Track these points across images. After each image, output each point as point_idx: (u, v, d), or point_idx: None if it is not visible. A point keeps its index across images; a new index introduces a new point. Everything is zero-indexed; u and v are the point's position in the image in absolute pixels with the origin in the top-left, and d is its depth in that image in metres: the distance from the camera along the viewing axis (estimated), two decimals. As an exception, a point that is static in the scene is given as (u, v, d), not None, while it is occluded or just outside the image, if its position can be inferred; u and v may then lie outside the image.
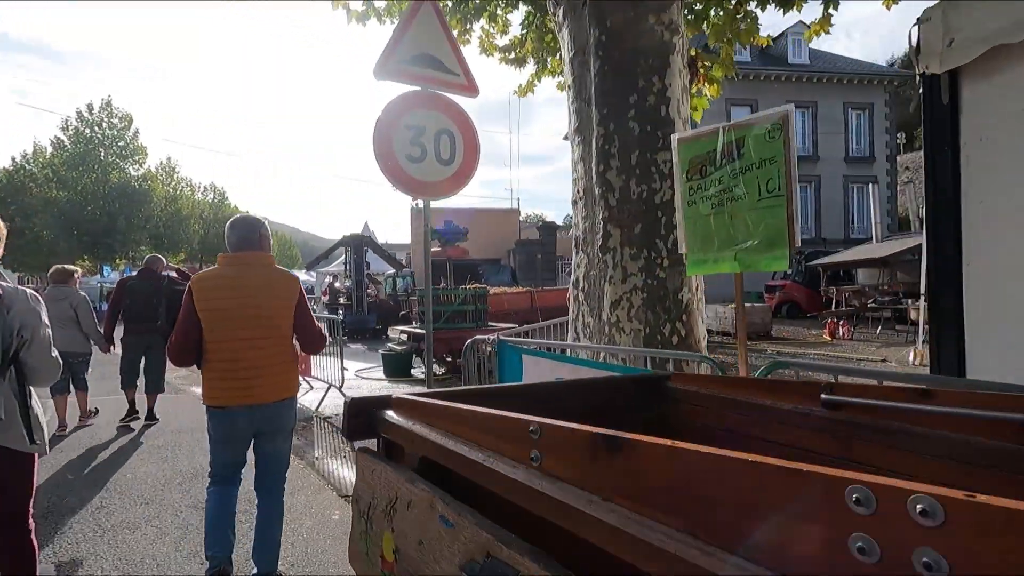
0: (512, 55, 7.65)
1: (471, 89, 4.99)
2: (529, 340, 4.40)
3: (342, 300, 18.17)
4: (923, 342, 9.10)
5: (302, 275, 43.27)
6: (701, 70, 4.63)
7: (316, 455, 5.03)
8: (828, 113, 24.95)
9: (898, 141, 26.33)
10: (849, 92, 25.22)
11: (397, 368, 9.31)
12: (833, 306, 14.27)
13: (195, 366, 2.56)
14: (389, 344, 10.13)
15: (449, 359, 9.43)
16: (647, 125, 3.61)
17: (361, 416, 1.30)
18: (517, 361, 3.53)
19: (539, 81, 7.84)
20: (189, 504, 3.86)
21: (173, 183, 39.47)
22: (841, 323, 12.48)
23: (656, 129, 3.62)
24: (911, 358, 8.93)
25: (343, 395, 6.73)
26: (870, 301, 12.74)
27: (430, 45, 4.68)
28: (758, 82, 24.28)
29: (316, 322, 2.74)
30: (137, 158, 33.75)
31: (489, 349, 4.14)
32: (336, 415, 6.44)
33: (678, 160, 2.47)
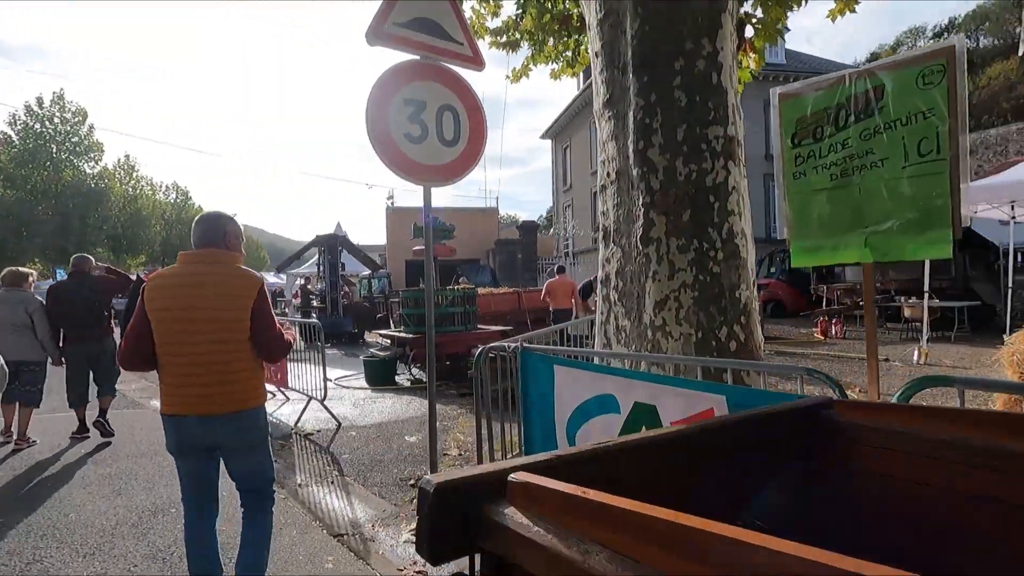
0: (504, 38, 7.08)
1: (476, 62, 4.40)
2: (554, 348, 3.84)
3: (315, 303, 17.30)
4: (927, 340, 8.87)
5: (271, 277, 41.95)
6: (749, 34, 4.14)
7: (299, 481, 4.37)
8: (804, 113, 25.08)
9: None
10: (824, 92, 25.40)
11: (380, 376, 8.64)
12: (824, 304, 14.12)
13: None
14: (371, 350, 9.43)
15: (441, 364, 8.79)
16: (696, 95, 3.09)
17: (454, 517, 0.70)
18: (547, 373, 2.98)
19: (535, 66, 7.29)
20: (146, 554, 3.17)
21: (132, 182, 37.63)
22: (833, 321, 12.28)
23: (707, 99, 3.10)
24: (916, 357, 8.68)
25: (326, 408, 6.06)
26: (861, 299, 12.60)
27: (430, 8, 4.08)
28: None
29: (278, 327, 2.52)
30: (93, 155, 31.97)
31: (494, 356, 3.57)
32: (319, 431, 5.76)
33: (779, 122, 1.96)
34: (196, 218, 2.57)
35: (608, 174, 3.51)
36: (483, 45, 7.49)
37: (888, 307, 12.39)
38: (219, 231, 2.50)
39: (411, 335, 8.79)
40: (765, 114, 25.26)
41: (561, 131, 31.01)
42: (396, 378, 8.80)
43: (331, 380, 8.45)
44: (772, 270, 18.79)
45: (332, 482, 4.32)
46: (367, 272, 20.42)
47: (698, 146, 3.08)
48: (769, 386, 2.54)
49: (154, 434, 5.54)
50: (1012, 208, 10.04)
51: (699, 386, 2.25)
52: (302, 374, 6.47)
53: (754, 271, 3.15)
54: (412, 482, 4.19)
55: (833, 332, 12.16)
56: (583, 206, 27.70)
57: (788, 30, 4.56)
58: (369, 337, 16.30)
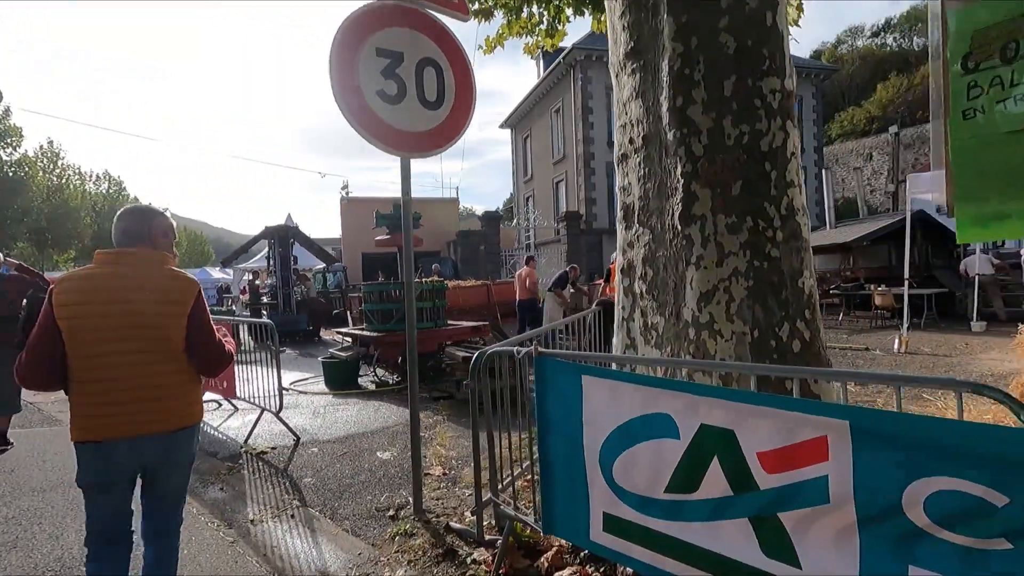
0: (476, 5, 6.38)
1: (461, 8, 3.72)
2: (575, 354, 3.22)
3: (265, 299, 16.13)
4: (907, 328, 8.78)
5: (216, 272, 39.84)
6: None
7: (251, 516, 3.61)
8: (762, 104, 25.33)
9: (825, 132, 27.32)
10: (780, 84, 25.73)
11: (341, 378, 7.83)
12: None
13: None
14: (331, 350, 8.59)
15: (404, 365, 8.05)
16: (747, 39, 2.53)
17: None
18: (572, 385, 2.37)
19: (510, 36, 6.63)
20: (42, 639, 2.38)
21: (58, 171, 34.65)
22: (804, 310, 12.20)
23: (760, 44, 2.54)
24: (896, 345, 8.56)
25: (282, 421, 5.26)
26: (831, 287, 12.61)
27: (407, -61, 3.38)
28: None
29: (218, 336, 2.27)
30: (10, 140, 29.13)
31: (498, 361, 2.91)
32: (274, 448, 4.97)
33: (943, 39, 1.39)
34: (118, 212, 2.29)
35: (631, 140, 2.91)
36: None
37: (856, 296, 12.41)
38: (143, 226, 2.23)
39: (375, 333, 8.01)
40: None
41: (521, 120, 30.39)
42: (359, 380, 8.01)
43: (286, 389, 7.59)
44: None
45: (292, 516, 3.58)
46: (321, 266, 19.29)
47: (750, 102, 2.52)
48: (859, 399, 2.01)
49: (69, 462, 4.63)
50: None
51: (807, 406, 1.68)
52: (252, 380, 5.63)
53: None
54: (391, 513, 3.51)
55: (805, 321, 12.08)
56: (545, 196, 27.22)
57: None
58: (325, 335, 15.30)
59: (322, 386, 7.89)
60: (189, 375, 2.23)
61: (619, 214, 3.07)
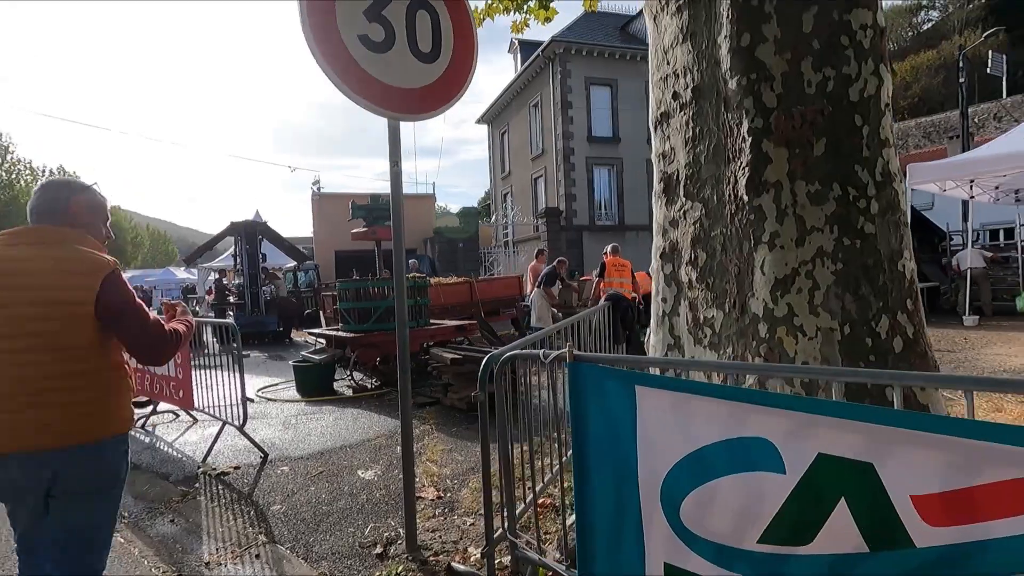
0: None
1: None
2: (618, 357, 2.69)
3: (232, 299, 15.22)
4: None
5: (181, 272, 38.26)
6: None
7: (206, 557, 2.98)
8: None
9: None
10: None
11: (314, 384, 7.15)
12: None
13: None
14: (303, 353, 7.90)
15: (384, 367, 7.42)
16: (831, -39, 2.04)
17: None
18: (622, 399, 1.83)
19: (500, 9, 6.08)
20: None
21: (7, 165, 32.70)
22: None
23: (847, -31, 2.05)
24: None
25: (247, 436, 4.60)
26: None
27: None
28: (624, 62, 23.61)
29: (149, 317, 1.82)
30: (-48, 132, 27.25)
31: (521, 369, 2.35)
32: (238, 468, 4.32)
33: None
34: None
35: (675, 95, 2.38)
36: None
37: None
38: (59, 202, 1.87)
39: (352, 334, 7.36)
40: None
41: (498, 115, 29.80)
42: (335, 386, 7.35)
43: (252, 398, 6.89)
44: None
45: (258, 556, 2.96)
46: (292, 264, 18.40)
47: (836, 40, 2.02)
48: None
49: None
50: (971, 187, 9.95)
51: (997, 432, 1.17)
52: (213, 387, 4.95)
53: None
54: (379, 550, 2.92)
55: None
56: (523, 192, 26.70)
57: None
58: (297, 336, 14.50)
59: (293, 392, 7.20)
60: (97, 377, 1.78)
61: (657, 187, 2.54)
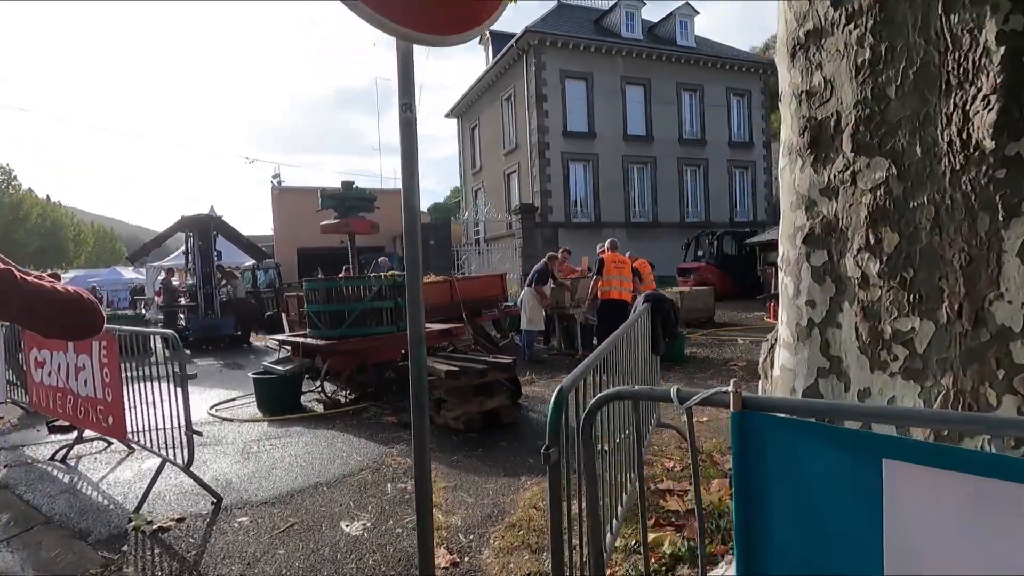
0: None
1: None
2: (782, 400, 1.89)
3: (184, 300, 13.89)
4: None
5: (129, 272, 35.93)
6: None
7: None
8: (713, 98, 25.13)
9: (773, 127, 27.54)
10: (731, 78, 25.65)
11: (279, 399, 6.17)
12: (771, 288, 13.49)
13: None
14: (264, 362, 6.87)
15: (360, 378, 6.49)
16: None
17: None
18: (854, 481, 1.07)
19: None
20: None
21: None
22: (787, 305, 11.51)
23: None
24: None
25: (194, 478, 3.64)
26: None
27: None
28: (650, 61, 23.64)
29: (30, 283, 1.23)
30: None
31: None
32: (182, 519, 3.36)
33: None
34: None
35: (836, 1, 1.61)
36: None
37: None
38: None
39: (323, 340, 6.40)
40: (678, 98, 25.01)
41: (468, 109, 28.86)
42: (303, 400, 6.38)
43: (203, 408, 5.85)
44: (700, 253, 18.24)
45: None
46: (251, 263, 17.07)
47: None
48: None
49: None
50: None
51: None
52: (153, 410, 3.94)
53: None
54: (383, 660, 2.06)
55: (788, 316, 11.36)
56: (496, 189, 25.86)
57: None
58: (256, 340, 13.30)
59: (254, 410, 6.20)
60: None
61: (795, 140, 1.76)
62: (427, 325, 7.57)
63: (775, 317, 8.95)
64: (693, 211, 25.13)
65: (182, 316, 13.79)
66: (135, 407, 4.03)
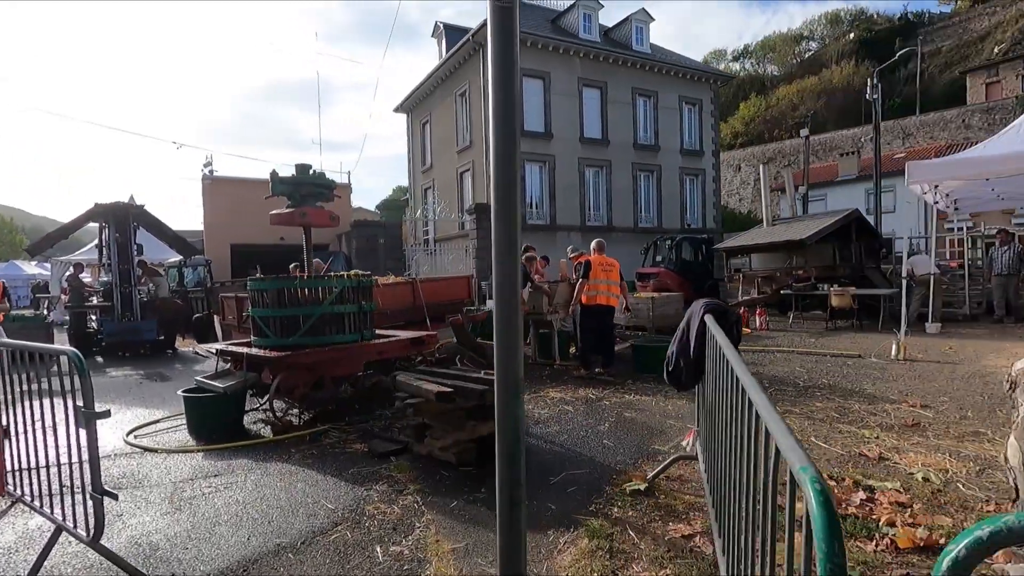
0: None
1: None
2: None
3: (95, 300, 12.14)
4: (905, 333, 7.94)
5: (31, 267, 32.27)
6: None
7: None
8: (667, 104, 25.30)
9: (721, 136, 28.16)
10: (684, 86, 25.91)
11: (217, 423, 5.09)
12: (740, 294, 13.33)
13: None
14: (198, 377, 5.71)
15: (317, 395, 5.48)
16: None
17: None
18: None
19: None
20: None
21: None
22: (757, 312, 11.34)
23: None
24: (894, 352, 7.66)
25: (105, 553, 2.61)
26: (783, 287, 11.93)
27: None
28: (607, 64, 23.46)
29: None
30: None
31: None
32: (80, 621, 2.34)
33: None
34: None
35: None
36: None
37: (809, 296, 11.82)
38: None
39: (273, 352, 5.35)
40: (633, 103, 24.98)
41: (419, 104, 27.72)
42: (245, 421, 5.31)
43: (120, 433, 4.68)
44: (659, 259, 18.05)
45: None
46: (177, 258, 15.33)
47: None
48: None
49: None
50: (935, 191, 9.71)
51: None
52: (44, 451, 2.86)
53: None
54: None
55: (758, 324, 11.18)
56: (448, 187, 24.87)
57: None
58: (182, 346, 11.79)
59: (184, 435, 5.08)
60: None
61: None
62: (393, 332, 6.64)
63: (746, 325, 8.51)
64: (646, 216, 25.16)
65: (93, 318, 12.05)
66: (17, 447, 2.94)
